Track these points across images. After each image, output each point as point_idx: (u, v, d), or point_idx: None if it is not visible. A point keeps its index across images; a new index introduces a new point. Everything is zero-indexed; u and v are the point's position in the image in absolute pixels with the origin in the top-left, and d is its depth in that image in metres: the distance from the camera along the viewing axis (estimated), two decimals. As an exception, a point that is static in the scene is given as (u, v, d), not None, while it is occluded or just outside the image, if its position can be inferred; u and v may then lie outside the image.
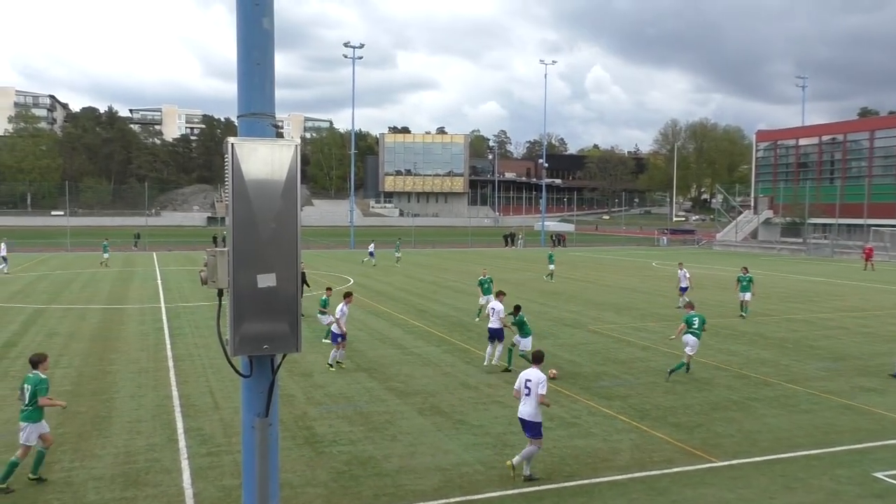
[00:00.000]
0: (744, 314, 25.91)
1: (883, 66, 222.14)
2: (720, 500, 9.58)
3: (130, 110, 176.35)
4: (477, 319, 24.17)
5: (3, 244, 41.08)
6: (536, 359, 10.85)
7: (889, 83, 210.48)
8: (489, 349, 17.57)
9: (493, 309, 17.45)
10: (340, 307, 16.96)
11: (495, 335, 17.35)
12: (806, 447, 11.71)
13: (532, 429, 10.29)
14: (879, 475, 10.47)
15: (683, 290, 28.26)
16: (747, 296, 26.38)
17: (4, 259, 40.86)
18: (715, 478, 10.38)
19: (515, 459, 10.27)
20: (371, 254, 49.24)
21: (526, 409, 10.29)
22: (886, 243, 58.53)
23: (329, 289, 22.00)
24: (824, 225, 71.30)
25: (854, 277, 42.29)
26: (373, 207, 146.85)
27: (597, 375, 16.61)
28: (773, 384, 15.90)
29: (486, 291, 24.95)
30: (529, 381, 10.31)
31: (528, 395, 10.26)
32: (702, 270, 46.09)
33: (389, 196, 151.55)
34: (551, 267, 38.94)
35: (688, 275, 28.75)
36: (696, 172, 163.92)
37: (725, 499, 9.61)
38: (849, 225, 69.76)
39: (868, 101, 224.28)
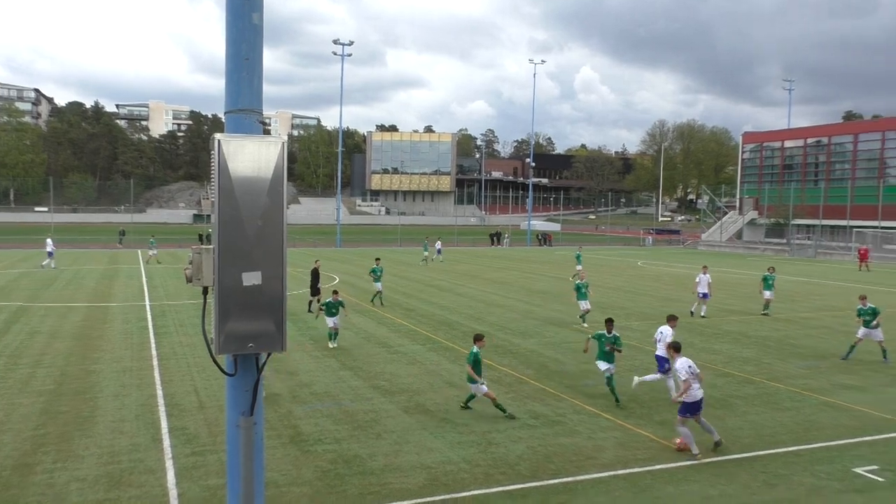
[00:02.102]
0: (767, 312, 26.14)
1: (868, 71, 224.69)
2: (702, 496, 9.67)
3: (117, 105, 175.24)
4: (585, 325, 23.14)
5: (49, 240, 41.97)
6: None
7: (873, 87, 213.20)
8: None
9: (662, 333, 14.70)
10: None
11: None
12: (787, 444, 11.84)
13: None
14: (859, 471, 10.61)
15: (703, 296, 25.83)
16: (771, 294, 26.63)
17: (50, 255, 41.33)
18: (697, 474, 10.47)
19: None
20: (439, 251, 52.12)
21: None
22: (869, 244, 59.14)
23: (336, 292, 20.18)
24: (808, 226, 71.89)
25: (837, 277, 42.70)
26: (359, 206, 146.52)
27: (581, 374, 16.69)
28: (755, 382, 16.04)
29: (582, 297, 23.77)
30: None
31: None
32: (686, 271, 46.39)
33: (376, 194, 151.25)
34: (578, 268, 38.05)
35: (710, 280, 26.27)
36: (683, 173, 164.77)
37: (707, 495, 9.70)
38: (832, 226, 70.40)
39: (853, 104, 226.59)
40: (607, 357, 14.17)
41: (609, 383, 14.13)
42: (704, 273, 26.19)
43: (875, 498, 9.73)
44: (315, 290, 25.80)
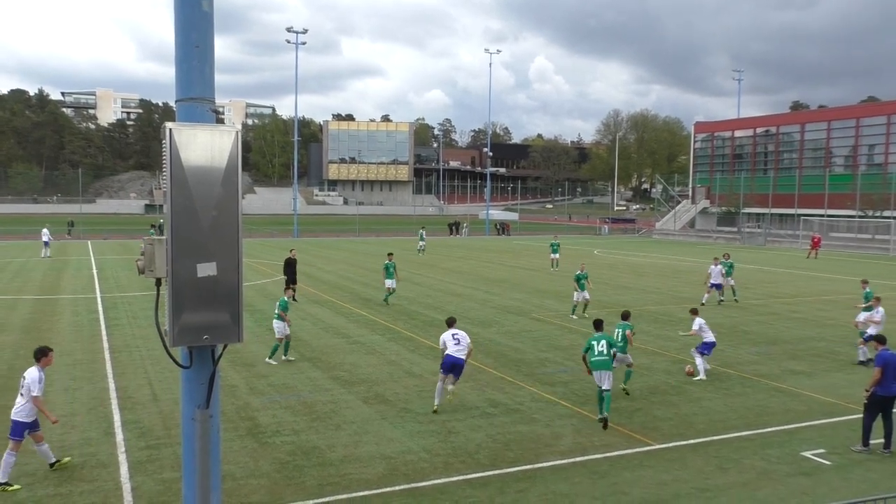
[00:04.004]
0: (736, 299, 26.43)
1: (814, 61, 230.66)
2: (657, 481, 9.86)
3: (63, 93, 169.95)
4: (573, 317, 23.04)
5: (45, 229, 43.41)
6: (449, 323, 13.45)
7: (819, 78, 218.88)
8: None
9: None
10: (32, 374, 9.89)
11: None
12: (739, 429, 12.14)
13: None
14: (807, 454, 10.94)
15: (716, 287, 26.10)
16: (730, 280, 27.06)
17: (46, 244, 42.77)
18: (652, 460, 10.67)
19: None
20: (421, 237, 51.36)
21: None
22: (815, 232, 60.82)
23: (289, 288, 18.20)
24: (758, 214, 73.63)
25: (786, 265, 43.83)
26: (316, 195, 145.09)
27: (540, 362, 16.85)
28: (708, 368, 16.36)
29: (582, 288, 23.43)
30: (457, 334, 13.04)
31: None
32: (642, 259, 47.18)
33: (333, 184, 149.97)
34: (554, 256, 38.46)
35: (723, 271, 26.36)
36: (637, 162, 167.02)
37: (662, 480, 9.90)
38: (780, 215, 72.19)
39: (800, 95, 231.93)
40: (606, 364, 12.32)
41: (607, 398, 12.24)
42: (716, 265, 26.30)
43: (822, 480, 10.04)
44: (291, 280, 25.69)
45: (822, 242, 52.65)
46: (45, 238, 43.00)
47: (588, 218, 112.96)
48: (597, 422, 12.12)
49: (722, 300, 26.51)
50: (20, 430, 9.63)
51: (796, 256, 50.94)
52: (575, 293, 23.74)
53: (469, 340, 13.18)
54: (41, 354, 10.14)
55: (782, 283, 34.12)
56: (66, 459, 10.23)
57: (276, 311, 16.62)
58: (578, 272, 24.05)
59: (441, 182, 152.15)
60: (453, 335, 12.99)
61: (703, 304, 25.49)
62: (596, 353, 12.38)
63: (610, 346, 12.52)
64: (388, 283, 25.69)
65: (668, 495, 9.42)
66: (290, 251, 27.85)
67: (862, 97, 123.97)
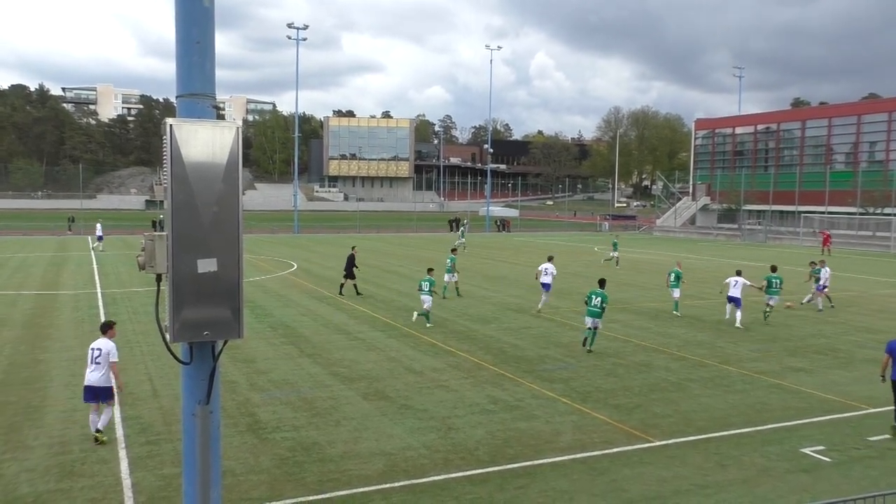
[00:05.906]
0: (832, 305, 25.36)
1: (815, 58, 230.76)
2: (657, 478, 9.87)
3: (63, 89, 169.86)
4: (676, 313, 22.93)
5: (98, 224, 48.50)
6: None
7: (820, 74, 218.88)
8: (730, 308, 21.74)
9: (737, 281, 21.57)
10: (107, 345, 11.02)
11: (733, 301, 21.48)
12: (739, 426, 12.15)
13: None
14: (807, 451, 10.95)
15: (822, 289, 25.45)
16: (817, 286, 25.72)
17: (100, 238, 46.48)
18: (652, 457, 10.68)
19: None
20: (461, 234, 51.42)
21: None
22: (815, 229, 60.81)
23: (431, 269, 22.60)
24: (758, 211, 73.58)
25: (786, 262, 43.77)
26: (317, 192, 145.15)
27: (540, 359, 16.86)
28: (708, 365, 16.41)
29: (675, 287, 23.28)
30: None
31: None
32: (641, 256, 47.18)
33: (334, 180, 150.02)
34: (615, 253, 39.13)
35: (828, 274, 25.71)
36: (638, 159, 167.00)
37: (662, 477, 9.91)
38: (781, 211, 72.14)
39: (801, 91, 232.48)
40: (597, 314, 17.47)
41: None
42: (824, 269, 25.61)
43: (821, 477, 10.05)
44: (350, 274, 26.79)
45: (831, 238, 52.28)
46: (98, 233, 46.98)
47: (591, 215, 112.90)
48: (581, 345, 17.74)
49: (832, 306, 25.26)
50: (111, 392, 11.03)
51: (796, 253, 50.92)
52: (674, 292, 23.43)
53: (552, 268, 23.54)
54: (107, 328, 11.34)
55: (784, 280, 34.00)
56: (105, 438, 10.93)
57: (427, 288, 20.82)
58: (677, 270, 23.77)
59: (441, 178, 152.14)
60: (544, 269, 23.38)
61: (802, 304, 25.18)
62: (591, 304, 17.32)
63: (603, 301, 17.23)
64: (446, 276, 26.70)
65: (668, 492, 9.44)
66: (352, 248, 28.82)
67: (863, 94, 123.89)
